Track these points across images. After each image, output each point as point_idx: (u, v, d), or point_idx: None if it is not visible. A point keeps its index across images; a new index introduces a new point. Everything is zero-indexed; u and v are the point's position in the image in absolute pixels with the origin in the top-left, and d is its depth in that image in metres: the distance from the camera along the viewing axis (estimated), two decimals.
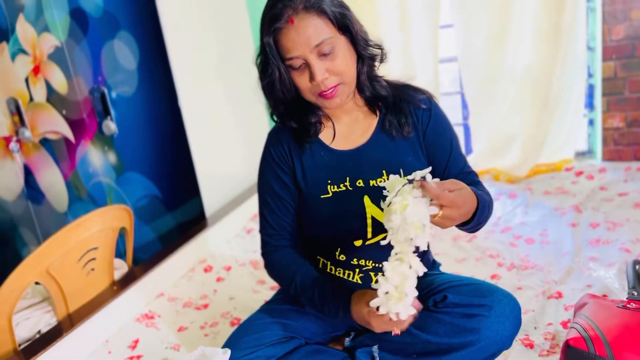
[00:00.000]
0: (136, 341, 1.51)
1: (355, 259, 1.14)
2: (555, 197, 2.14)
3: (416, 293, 0.87)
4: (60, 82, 2.08)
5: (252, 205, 2.28)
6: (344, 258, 1.14)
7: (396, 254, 0.88)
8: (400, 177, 0.89)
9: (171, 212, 2.31)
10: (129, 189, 2.18)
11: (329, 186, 1.11)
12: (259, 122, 2.65)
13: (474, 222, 0.97)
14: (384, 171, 1.10)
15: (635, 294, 1.24)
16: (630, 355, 0.97)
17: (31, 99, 2.20)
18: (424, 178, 0.86)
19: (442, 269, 1.32)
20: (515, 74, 2.27)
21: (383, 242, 0.88)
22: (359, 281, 1.15)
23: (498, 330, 1.01)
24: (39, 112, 2.21)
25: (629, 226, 1.77)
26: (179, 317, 1.64)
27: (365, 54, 1.06)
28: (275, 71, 1.03)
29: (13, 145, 2.33)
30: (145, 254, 2.18)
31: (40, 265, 1.44)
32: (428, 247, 1.20)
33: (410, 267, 0.87)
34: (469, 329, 1.02)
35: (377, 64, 1.10)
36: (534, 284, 1.53)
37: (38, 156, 2.31)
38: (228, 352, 1.08)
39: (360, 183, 1.10)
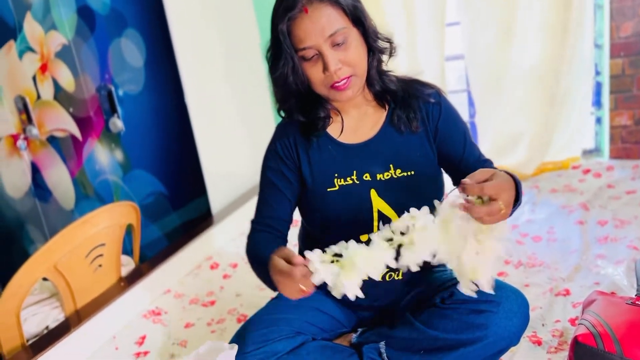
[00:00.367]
0: (143, 337, 1.51)
1: None
2: (563, 195, 2.13)
3: (375, 276, 0.88)
4: (67, 80, 2.09)
5: None
6: None
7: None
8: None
9: (177, 210, 2.32)
10: (136, 187, 2.19)
11: (335, 179, 1.11)
12: (265, 120, 2.65)
13: (519, 200, 0.93)
14: (391, 165, 1.10)
15: None
16: (639, 352, 0.97)
17: (38, 97, 2.21)
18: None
19: None
20: (522, 71, 2.25)
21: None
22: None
23: (506, 326, 1.01)
24: (46, 110, 2.22)
25: (637, 224, 1.75)
26: (186, 313, 1.65)
27: (376, 46, 1.06)
28: (288, 61, 1.03)
29: (20, 143, 2.35)
30: (152, 251, 2.18)
31: (48, 261, 1.45)
32: None
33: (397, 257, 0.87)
34: (477, 325, 1.02)
35: (386, 58, 1.10)
36: (542, 282, 1.52)
37: (45, 154, 2.32)
38: (235, 347, 1.09)
39: (367, 177, 1.10)
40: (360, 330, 1.21)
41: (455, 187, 0.86)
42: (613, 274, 1.46)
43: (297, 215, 1.21)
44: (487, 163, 1.13)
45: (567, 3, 2.06)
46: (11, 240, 2.57)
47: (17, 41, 2.17)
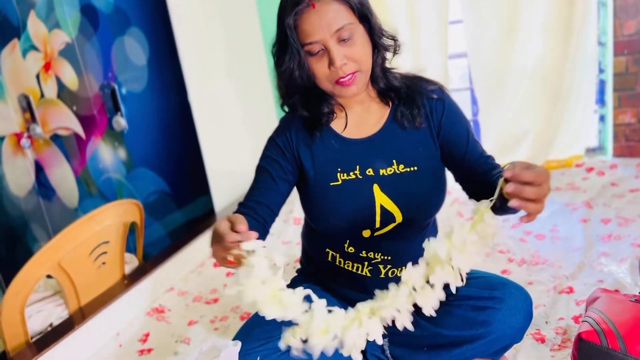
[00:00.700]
0: (147, 334, 1.52)
1: (364, 252, 1.13)
2: (566, 193, 2.12)
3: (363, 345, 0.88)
4: (70, 79, 2.10)
5: None
6: (353, 250, 1.14)
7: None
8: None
9: (181, 208, 2.32)
10: (139, 185, 2.19)
11: (338, 174, 1.11)
12: (268, 118, 2.65)
13: None
14: (394, 161, 1.10)
15: None
16: None
17: (42, 95, 2.22)
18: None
19: None
20: (525, 69, 2.25)
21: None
22: (368, 274, 1.15)
23: (509, 323, 1.01)
24: (49, 109, 2.22)
25: None
26: (189, 311, 1.65)
27: (381, 43, 1.07)
28: (295, 56, 1.03)
29: (24, 141, 2.35)
30: (155, 249, 2.19)
31: (52, 258, 1.45)
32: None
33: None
34: (480, 322, 1.02)
35: (390, 55, 1.10)
36: (545, 279, 1.52)
37: (49, 152, 2.32)
38: (239, 344, 1.08)
39: (370, 172, 1.10)
40: None
41: (490, 199, 0.86)
42: (616, 272, 1.46)
43: (300, 214, 1.21)
44: (490, 159, 1.13)
45: (570, 1, 2.06)
46: (15, 238, 2.58)
47: (20, 40, 2.18)
